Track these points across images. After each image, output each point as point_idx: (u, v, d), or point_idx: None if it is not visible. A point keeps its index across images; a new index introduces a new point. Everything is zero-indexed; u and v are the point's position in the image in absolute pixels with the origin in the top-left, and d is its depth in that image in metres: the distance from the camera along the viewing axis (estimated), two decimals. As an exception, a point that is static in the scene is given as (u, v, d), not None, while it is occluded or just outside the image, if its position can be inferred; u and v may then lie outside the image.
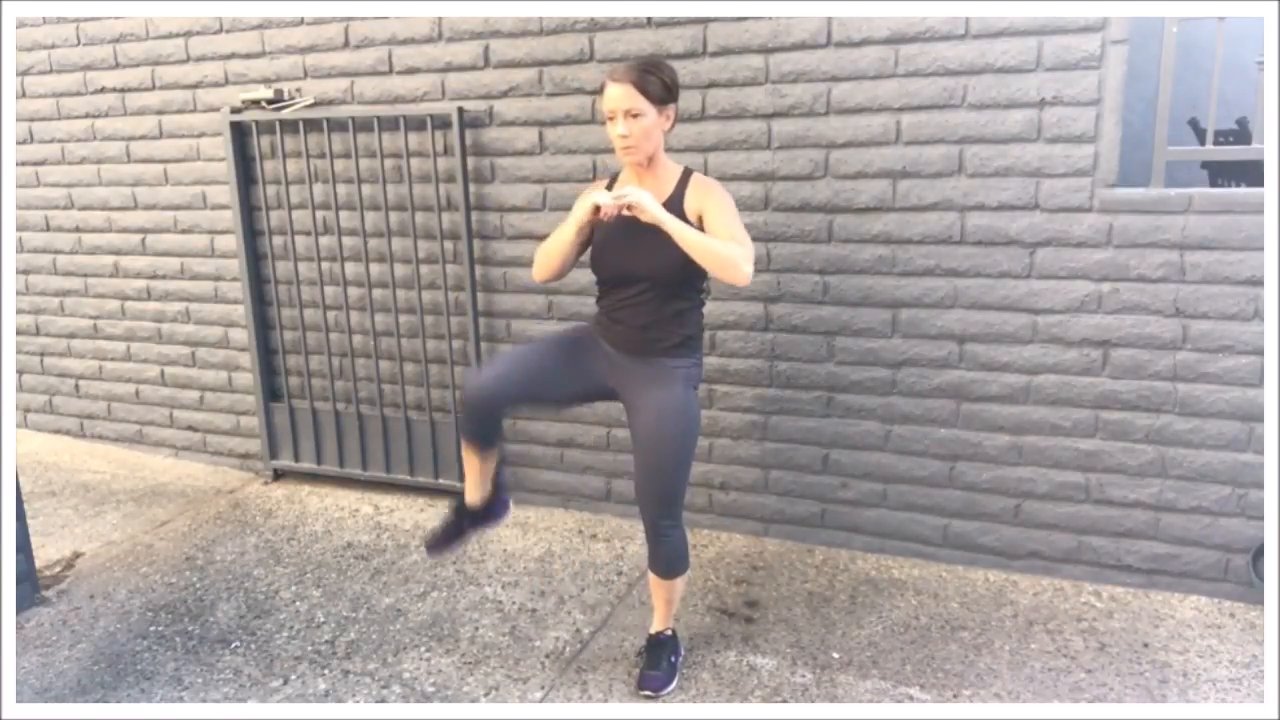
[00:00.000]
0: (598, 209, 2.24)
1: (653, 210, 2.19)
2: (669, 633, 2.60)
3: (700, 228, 2.28)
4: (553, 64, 3.31)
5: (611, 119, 2.26)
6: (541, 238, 3.45)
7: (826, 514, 3.31)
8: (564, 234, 2.36)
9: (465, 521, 2.65)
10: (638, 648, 2.69)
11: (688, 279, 2.34)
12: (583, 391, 2.52)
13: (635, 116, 2.24)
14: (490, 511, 2.66)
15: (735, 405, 3.34)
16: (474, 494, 2.59)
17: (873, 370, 3.14)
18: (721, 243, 2.19)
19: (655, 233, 2.21)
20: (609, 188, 2.43)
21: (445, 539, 2.64)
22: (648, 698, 2.49)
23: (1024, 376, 2.99)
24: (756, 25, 3.04)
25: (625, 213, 2.24)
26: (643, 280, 2.33)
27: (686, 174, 2.37)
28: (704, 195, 2.31)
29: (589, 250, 2.43)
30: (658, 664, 2.55)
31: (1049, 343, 2.94)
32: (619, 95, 2.23)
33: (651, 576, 2.53)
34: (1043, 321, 2.93)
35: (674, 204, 2.30)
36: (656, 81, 2.25)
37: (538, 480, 3.71)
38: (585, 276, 3.42)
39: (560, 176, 3.39)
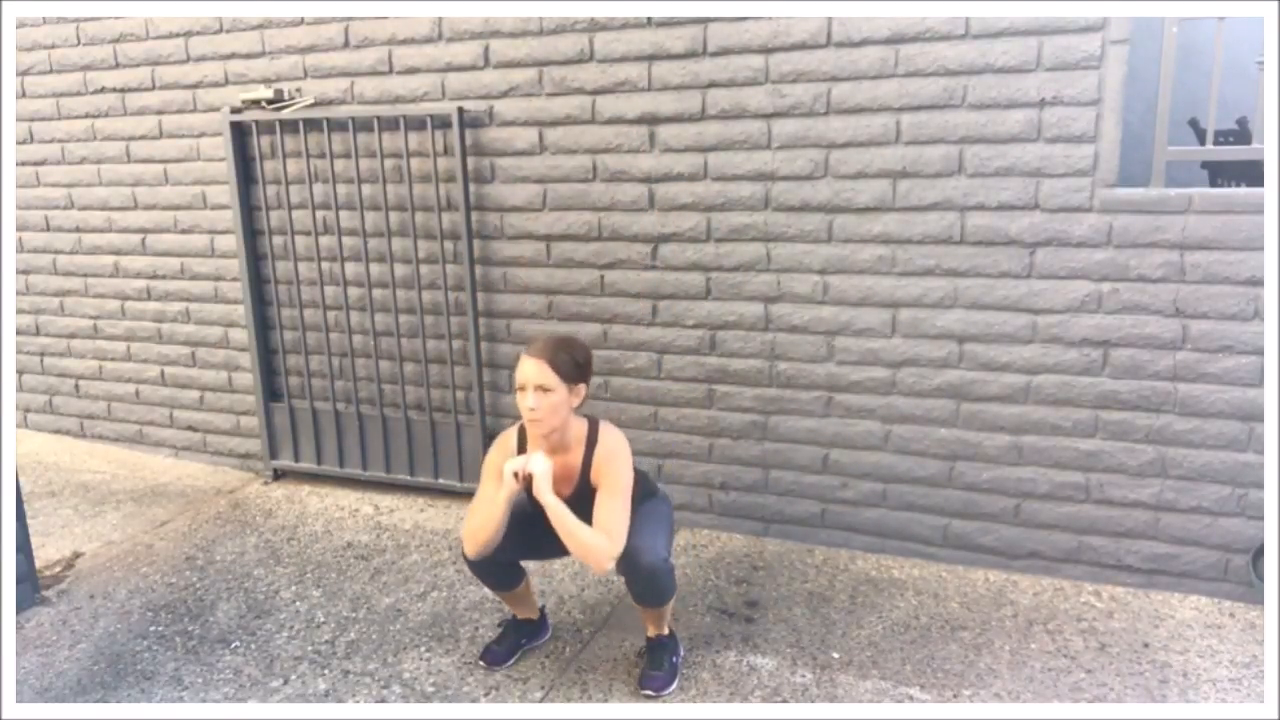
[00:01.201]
0: (516, 477, 2.34)
1: (538, 491, 2.32)
2: (668, 634, 2.60)
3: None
4: (553, 64, 3.31)
5: (521, 390, 2.33)
6: (542, 238, 3.47)
7: (826, 514, 3.31)
8: (493, 508, 2.38)
9: (524, 637, 2.73)
10: (638, 648, 2.69)
11: None
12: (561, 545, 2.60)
13: (545, 391, 2.31)
14: (545, 620, 2.80)
15: (735, 405, 3.34)
16: (522, 612, 2.73)
17: (873, 370, 3.14)
18: (589, 536, 2.30)
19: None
20: (519, 442, 2.50)
21: (505, 653, 2.69)
22: (649, 698, 2.49)
23: (1024, 376, 2.99)
24: (756, 25, 3.04)
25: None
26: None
27: (593, 435, 2.44)
28: (603, 466, 2.40)
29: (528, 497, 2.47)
30: (659, 664, 2.55)
31: (1049, 343, 2.94)
32: (531, 370, 2.32)
33: (640, 609, 2.53)
34: (1043, 321, 2.93)
35: (584, 471, 2.43)
36: (568, 360, 2.34)
37: (538, 480, 3.70)
38: (585, 276, 3.43)
39: (560, 176, 3.39)
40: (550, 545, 2.48)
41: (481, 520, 2.40)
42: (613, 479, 2.38)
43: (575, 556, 2.38)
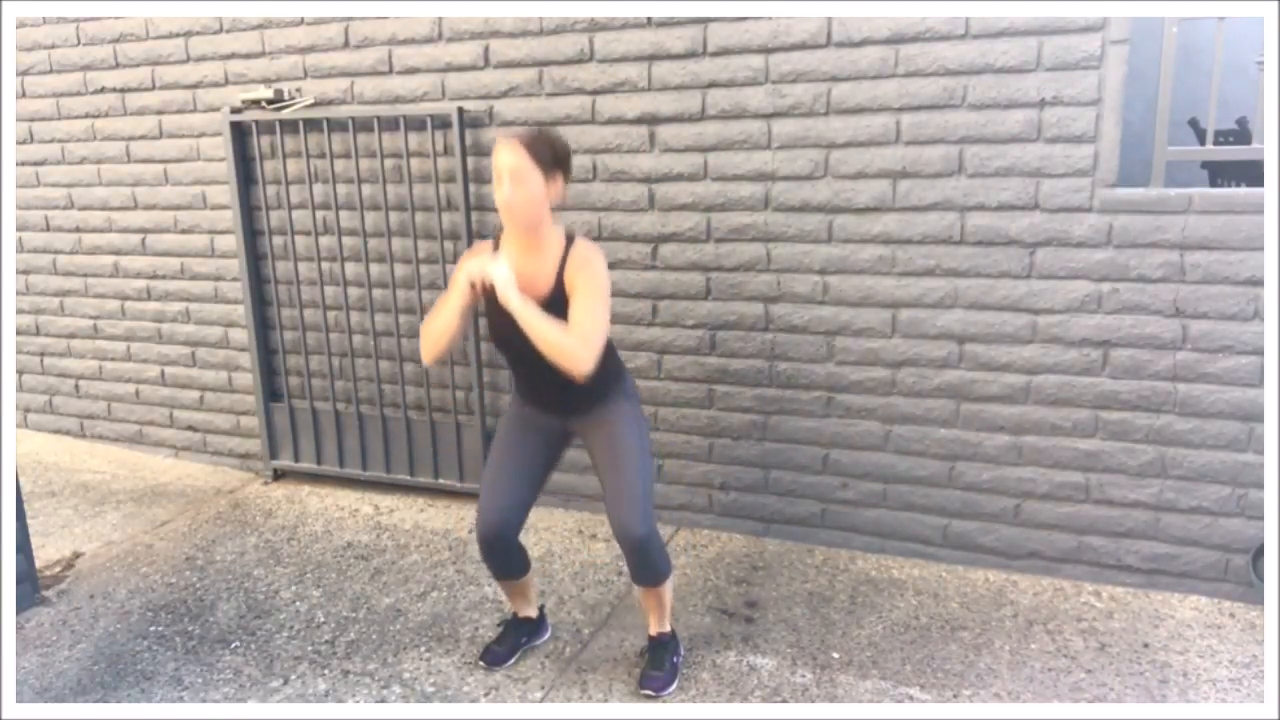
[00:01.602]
0: (473, 287, 2.24)
1: (502, 295, 2.19)
2: (669, 633, 2.60)
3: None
4: (553, 64, 3.31)
5: (497, 179, 2.23)
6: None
7: (826, 514, 3.31)
8: (447, 312, 2.30)
9: (525, 635, 2.73)
10: (638, 648, 2.69)
11: None
12: (554, 454, 2.58)
13: (521, 180, 2.21)
14: (542, 620, 2.78)
15: (735, 405, 3.34)
16: (523, 609, 2.72)
17: (873, 370, 3.14)
18: (561, 335, 2.19)
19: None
20: (495, 250, 2.40)
21: (506, 652, 2.69)
22: (648, 698, 2.49)
23: (1024, 376, 2.99)
24: (756, 25, 3.04)
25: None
26: (539, 352, 2.29)
27: (569, 243, 2.34)
28: (576, 272, 2.28)
29: (487, 319, 2.42)
30: (660, 664, 2.55)
31: (1049, 343, 2.94)
32: (507, 156, 2.21)
33: (638, 589, 2.52)
34: (1043, 321, 2.93)
35: (557, 279, 2.30)
36: (545, 148, 2.25)
37: (538, 480, 3.71)
38: (585, 276, 3.42)
39: (560, 176, 3.39)
40: (542, 470, 2.52)
41: (441, 322, 2.29)
42: (588, 281, 2.25)
43: (549, 358, 2.21)
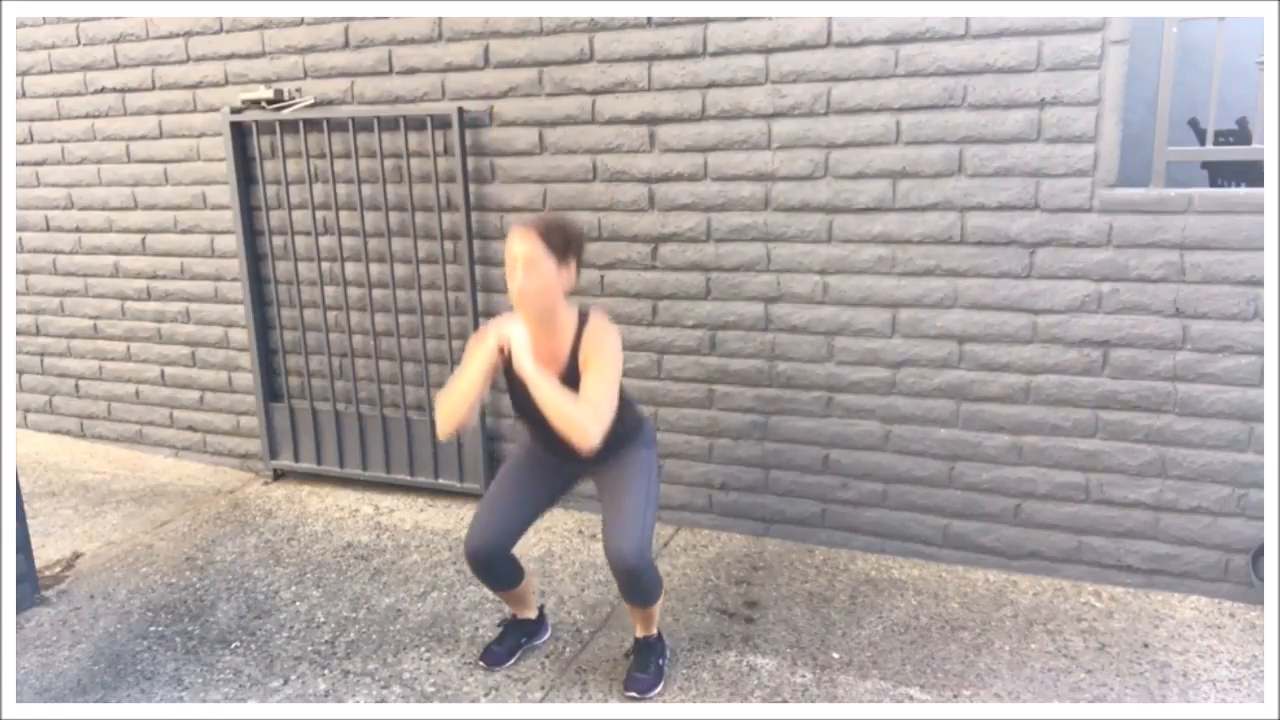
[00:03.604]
0: (502, 348, 2.27)
1: (517, 359, 2.23)
2: (656, 635, 2.59)
3: None
4: (553, 64, 3.31)
5: (511, 268, 2.26)
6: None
7: (826, 514, 3.31)
8: (467, 385, 2.31)
9: (524, 636, 2.73)
10: (630, 648, 2.69)
11: None
12: (560, 489, 2.59)
13: (534, 267, 2.23)
14: (542, 620, 2.78)
15: (735, 405, 3.34)
16: (521, 611, 2.72)
17: (873, 370, 3.14)
18: (571, 406, 2.20)
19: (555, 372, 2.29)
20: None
21: (505, 653, 2.68)
22: (632, 699, 2.49)
23: (1024, 377, 2.99)
24: (756, 25, 3.04)
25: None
26: None
27: (583, 322, 2.36)
28: (591, 348, 2.31)
29: (507, 382, 2.43)
30: (645, 666, 2.54)
31: (1049, 343, 2.94)
32: (519, 245, 2.24)
33: (628, 607, 2.51)
34: (1043, 322, 2.93)
35: (572, 357, 2.33)
36: (558, 235, 2.27)
37: (538, 480, 3.71)
38: (585, 276, 3.43)
39: (560, 177, 3.40)
40: (541, 504, 2.52)
41: (460, 396, 2.31)
42: (601, 357, 2.28)
43: (558, 428, 2.22)
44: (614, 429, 2.31)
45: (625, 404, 2.44)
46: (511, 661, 2.67)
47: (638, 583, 2.37)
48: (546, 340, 2.34)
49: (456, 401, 2.32)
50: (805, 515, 3.34)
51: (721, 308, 3.28)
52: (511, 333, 2.25)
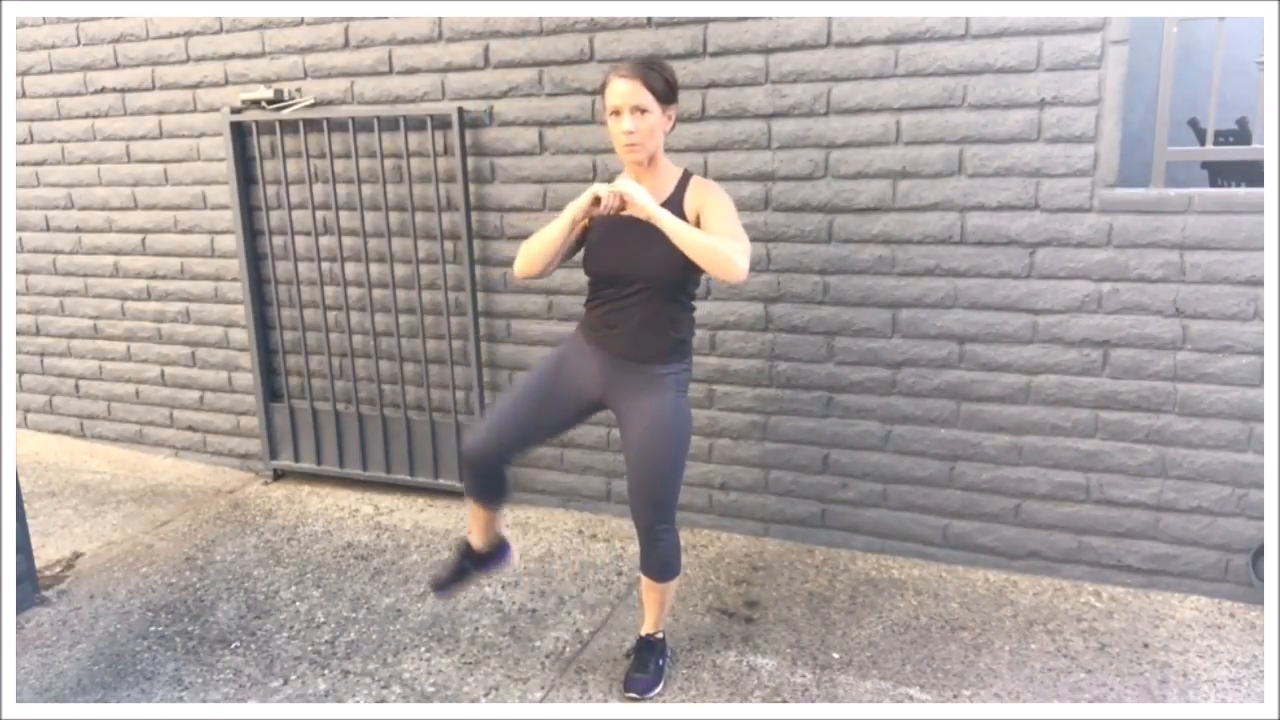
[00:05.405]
0: (598, 200, 2.20)
1: (644, 203, 2.15)
2: (659, 635, 2.60)
3: (698, 226, 2.25)
4: (553, 64, 3.31)
5: (616, 115, 2.21)
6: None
7: (826, 514, 3.31)
8: (553, 231, 2.27)
9: (470, 564, 2.69)
10: (630, 648, 2.69)
11: (684, 282, 2.32)
12: (575, 416, 2.50)
13: (641, 113, 2.19)
14: (496, 555, 2.72)
15: (735, 405, 3.34)
16: (480, 541, 2.65)
17: (873, 370, 3.14)
18: (716, 238, 2.14)
19: (652, 233, 2.18)
20: None
21: (451, 580, 2.68)
22: (631, 699, 2.49)
23: (1024, 377, 2.99)
24: (756, 25, 3.04)
25: (619, 211, 2.20)
26: (638, 281, 2.29)
27: (686, 175, 2.34)
28: (703, 195, 2.28)
29: (580, 251, 2.40)
30: (645, 667, 2.54)
31: (1049, 343, 2.94)
32: (625, 90, 2.18)
33: (644, 580, 2.51)
34: (1043, 322, 2.93)
35: (673, 204, 2.26)
36: (660, 79, 2.22)
37: (538, 480, 3.71)
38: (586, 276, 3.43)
39: (560, 176, 3.39)
40: (552, 425, 2.46)
41: (543, 240, 2.27)
42: (716, 201, 2.24)
43: (704, 267, 2.14)
44: (667, 334, 2.29)
45: (690, 317, 2.39)
46: (454, 589, 2.71)
47: (654, 544, 2.37)
48: (650, 189, 2.26)
49: (541, 246, 2.29)
50: (805, 515, 3.34)
51: (722, 307, 3.28)
52: (629, 187, 2.16)
